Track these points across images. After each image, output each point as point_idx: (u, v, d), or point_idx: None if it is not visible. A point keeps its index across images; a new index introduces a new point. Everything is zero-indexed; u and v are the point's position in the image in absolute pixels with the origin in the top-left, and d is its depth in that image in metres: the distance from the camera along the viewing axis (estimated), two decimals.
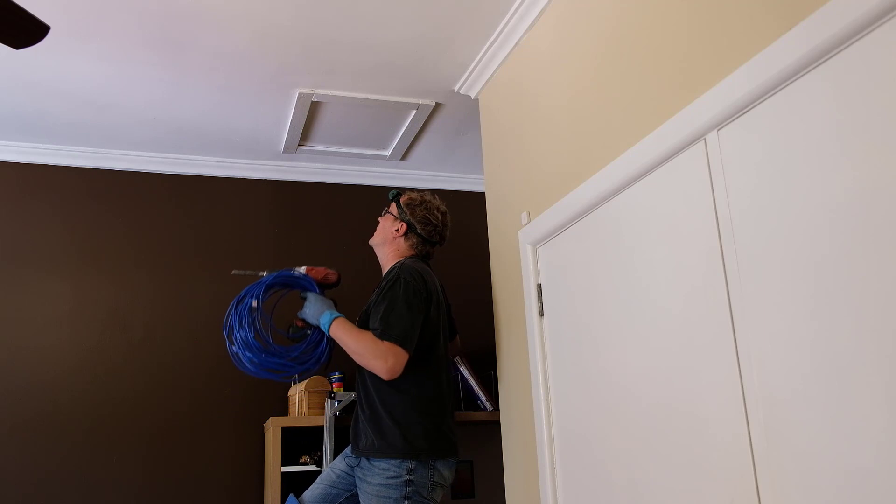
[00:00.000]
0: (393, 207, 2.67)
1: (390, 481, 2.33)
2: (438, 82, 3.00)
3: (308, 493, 2.49)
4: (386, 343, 2.30)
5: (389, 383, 2.36)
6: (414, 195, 2.69)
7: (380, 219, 2.71)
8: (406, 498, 2.32)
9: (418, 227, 2.60)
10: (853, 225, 1.30)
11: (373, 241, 2.69)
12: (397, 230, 2.61)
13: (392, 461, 2.33)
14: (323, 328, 2.43)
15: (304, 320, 2.50)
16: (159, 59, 2.74)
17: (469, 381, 3.43)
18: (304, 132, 3.38)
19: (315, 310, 2.48)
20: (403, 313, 2.34)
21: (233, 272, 2.71)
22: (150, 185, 3.55)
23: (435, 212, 2.64)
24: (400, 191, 2.74)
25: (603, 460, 2.00)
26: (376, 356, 2.30)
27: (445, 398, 2.45)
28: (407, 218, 2.61)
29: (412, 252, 2.61)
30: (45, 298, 3.28)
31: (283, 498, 2.99)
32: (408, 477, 2.33)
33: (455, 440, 2.44)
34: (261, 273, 2.54)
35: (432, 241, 2.63)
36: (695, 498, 1.65)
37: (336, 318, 2.42)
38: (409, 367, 2.32)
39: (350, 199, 3.83)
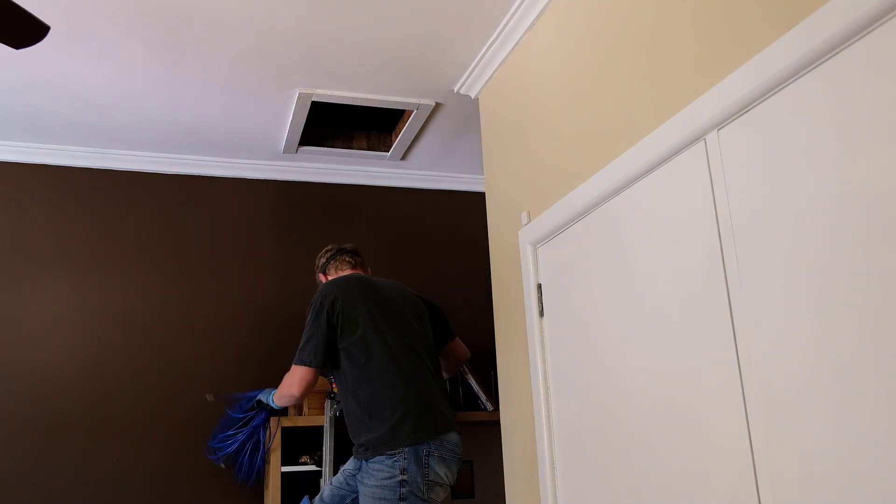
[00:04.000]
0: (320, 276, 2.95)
1: (384, 482, 2.36)
2: (438, 82, 3.00)
3: (320, 494, 2.63)
4: (293, 367, 2.58)
5: (352, 392, 2.52)
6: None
7: None
8: (401, 499, 2.34)
9: (323, 266, 2.89)
10: (854, 225, 1.30)
11: None
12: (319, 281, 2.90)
13: (383, 459, 2.37)
14: (270, 401, 2.83)
15: (257, 403, 2.96)
16: (159, 60, 2.75)
17: (469, 381, 3.43)
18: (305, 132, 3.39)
19: (263, 396, 2.92)
20: (305, 336, 2.59)
21: (207, 397, 3.22)
22: (150, 185, 3.55)
23: (322, 251, 2.95)
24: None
25: (603, 460, 2.00)
26: (288, 384, 2.60)
27: (411, 383, 2.49)
28: (318, 270, 2.93)
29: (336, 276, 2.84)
30: (45, 299, 3.28)
31: (284, 498, 2.99)
32: (401, 477, 2.36)
33: (440, 420, 2.46)
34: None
35: (336, 258, 2.86)
36: (695, 498, 1.65)
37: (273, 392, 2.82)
38: (353, 370, 2.52)
39: (350, 199, 3.83)
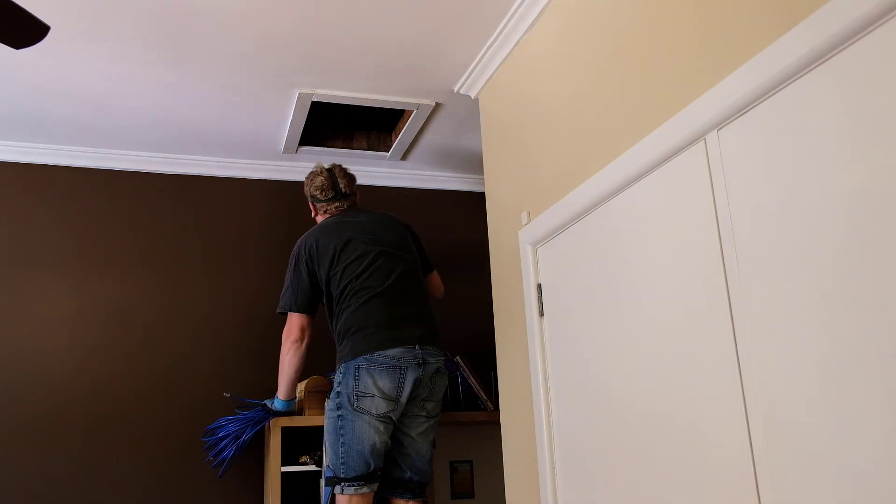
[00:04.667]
0: (311, 208, 3.08)
1: (331, 395, 2.63)
2: (438, 82, 3.00)
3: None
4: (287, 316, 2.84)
5: (333, 324, 2.74)
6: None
7: None
8: (338, 408, 2.56)
9: (313, 190, 2.97)
10: (853, 225, 1.30)
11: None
12: (312, 213, 3.06)
13: (335, 375, 2.64)
14: (277, 405, 3.00)
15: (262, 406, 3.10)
16: (160, 60, 2.75)
17: (469, 381, 3.44)
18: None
19: (269, 401, 3.08)
20: (284, 286, 2.85)
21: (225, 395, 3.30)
22: (151, 185, 3.55)
23: (312, 177, 3.00)
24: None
25: (603, 460, 2.00)
26: (284, 336, 2.83)
27: (373, 311, 2.65)
28: (307, 193, 3.02)
29: (325, 217, 2.97)
30: (46, 298, 3.28)
31: (284, 498, 2.99)
32: (337, 389, 2.59)
33: (385, 338, 2.59)
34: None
35: (328, 198, 2.95)
36: (695, 498, 1.65)
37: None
38: (332, 305, 2.75)
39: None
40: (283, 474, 3.02)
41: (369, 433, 2.52)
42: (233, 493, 3.26)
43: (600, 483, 2.01)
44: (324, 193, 2.94)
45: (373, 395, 2.53)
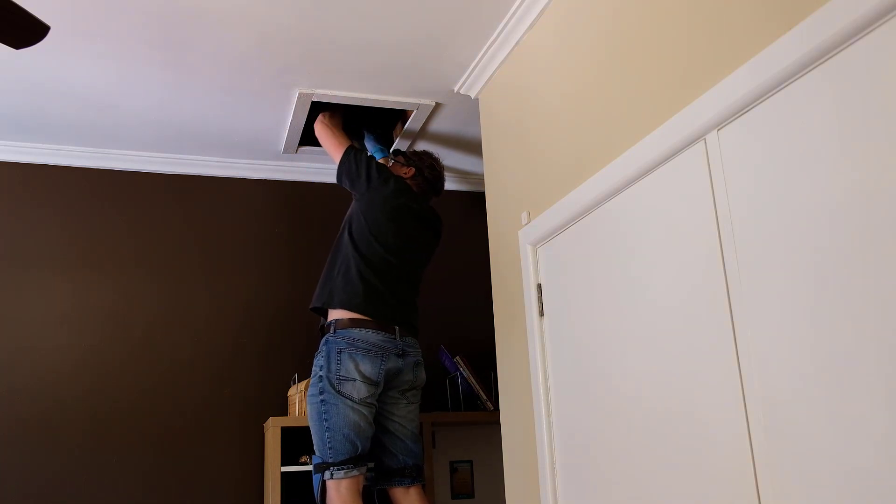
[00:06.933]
0: (400, 158, 3.10)
1: (312, 381, 2.62)
2: (438, 82, 3.00)
3: None
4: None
5: (337, 265, 2.81)
6: (411, 150, 3.18)
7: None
8: (320, 393, 2.56)
9: (425, 171, 3.02)
10: (853, 225, 1.30)
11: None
12: (405, 174, 3.00)
13: (315, 357, 2.66)
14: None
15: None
16: (160, 60, 2.75)
17: (469, 381, 3.43)
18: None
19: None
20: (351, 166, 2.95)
21: None
22: (150, 185, 3.55)
23: (435, 161, 3.08)
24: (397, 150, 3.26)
25: (603, 460, 2.00)
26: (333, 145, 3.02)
27: (373, 288, 2.70)
28: (416, 163, 3.03)
29: (410, 181, 3.00)
30: (45, 298, 3.28)
31: (284, 498, 2.99)
32: (319, 373, 2.58)
33: (367, 322, 2.63)
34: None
35: (433, 186, 3.04)
36: (695, 498, 1.65)
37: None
38: (349, 246, 2.79)
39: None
40: (283, 474, 3.03)
41: (355, 418, 2.53)
42: (233, 493, 3.26)
43: (601, 483, 2.01)
44: (428, 182, 3.04)
45: (354, 380, 2.55)
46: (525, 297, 2.44)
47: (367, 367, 2.57)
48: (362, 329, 2.61)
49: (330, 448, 2.52)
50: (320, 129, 3.09)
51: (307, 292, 3.58)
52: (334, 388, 2.54)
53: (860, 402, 1.26)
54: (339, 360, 2.57)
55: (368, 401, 2.58)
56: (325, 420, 2.53)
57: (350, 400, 2.54)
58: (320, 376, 2.58)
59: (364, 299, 2.66)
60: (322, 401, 2.55)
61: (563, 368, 2.23)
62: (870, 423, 1.24)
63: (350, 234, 2.82)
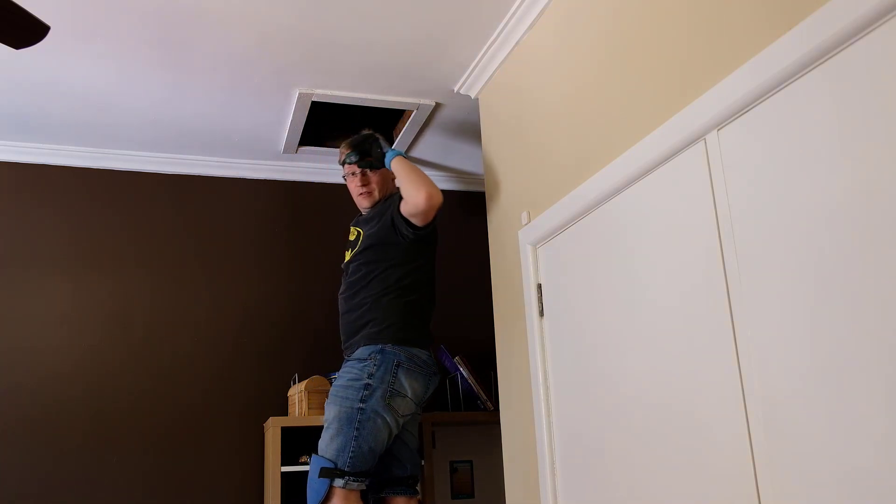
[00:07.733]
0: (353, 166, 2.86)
1: (350, 382, 2.50)
2: (438, 82, 3.00)
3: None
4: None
5: (393, 288, 2.67)
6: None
7: (367, 177, 2.84)
8: (362, 401, 2.46)
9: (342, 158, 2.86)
10: (853, 224, 1.30)
11: (373, 200, 2.86)
12: (394, 179, 2.78)
13: (356, 362, 2.54)
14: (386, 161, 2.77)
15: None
16: (160, 60, 2.75)
17: (469, 381, 3.43)
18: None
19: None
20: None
21: None
22: (150, 185, 3.55)
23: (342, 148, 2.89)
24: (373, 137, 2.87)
25: (603, 460, 2.00)
26: (424, 182, 2.59)
27: (424, 304, 2.70)
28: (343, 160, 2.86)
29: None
30: (45, 298, 3.28)
31: (284, 498, 2.99)
32: (367, 381, 2.48)
33: (409, 337, 2.58)
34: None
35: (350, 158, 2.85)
36: (695, 497, 1.65)
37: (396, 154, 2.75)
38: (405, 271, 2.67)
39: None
40: (283, 474, 3.03)
41: (385, 433, 2.49)
42: (233, 493, 3.26)
43: (601, 483, 2.01)
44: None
45: (405, 396, 2.53)
46: (525, 297, 2.44)
47: (418, 386, 2.57)
48: (418, 348, 2.60)
49: (351, 456, 2.44)
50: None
51: (307, 292, 3.59)
52: (384, 401, 2.47)
53: (860, 402, 1.26)
54: (396, 374, 2.52)
55: (407, 417, 2.57)
56: (357, 429, 2.45)
57: (396, 414, 2.50)
58: (367, 384, 2.48)
59: (421, 340, 2.65)
60: (361, 409, 2.46)
61: (563, 368, 2.23)
62: (870, 423, 1.24)
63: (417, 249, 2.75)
